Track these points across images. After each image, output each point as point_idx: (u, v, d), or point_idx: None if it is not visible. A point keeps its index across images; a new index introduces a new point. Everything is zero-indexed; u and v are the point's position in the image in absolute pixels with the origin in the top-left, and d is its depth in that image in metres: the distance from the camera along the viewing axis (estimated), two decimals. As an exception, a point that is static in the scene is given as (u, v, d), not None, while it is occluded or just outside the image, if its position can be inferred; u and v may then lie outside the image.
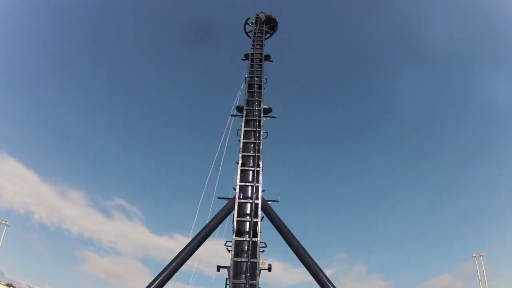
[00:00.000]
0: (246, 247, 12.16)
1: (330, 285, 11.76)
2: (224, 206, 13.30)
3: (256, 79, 16.93)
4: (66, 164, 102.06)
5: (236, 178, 13.50)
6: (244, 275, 11.65)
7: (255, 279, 11.57)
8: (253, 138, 14.58)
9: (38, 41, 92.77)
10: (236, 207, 12.73)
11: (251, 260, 11.78)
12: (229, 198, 13.43)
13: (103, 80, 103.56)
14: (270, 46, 20.47)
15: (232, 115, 15.82)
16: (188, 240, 12.96)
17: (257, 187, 13.11)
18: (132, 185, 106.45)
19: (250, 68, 17.62)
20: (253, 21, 21.81)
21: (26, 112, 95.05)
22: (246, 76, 17.30)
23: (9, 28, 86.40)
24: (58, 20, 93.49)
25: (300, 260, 12.43)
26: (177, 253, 12.58)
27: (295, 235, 12.87)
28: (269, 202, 13.42)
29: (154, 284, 11.70)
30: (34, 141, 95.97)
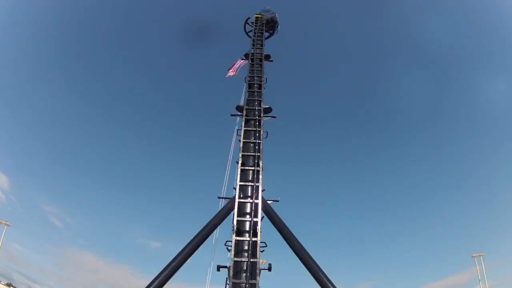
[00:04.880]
0: (246, 247, 12.15)
1: (330, 285, 11.74)
2: (224, 206, 13.30)
3: (256, 78, 16.92)
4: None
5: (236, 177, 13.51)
6: (244, 275, 11.64)
7: (255, 279, 11.56)
8: (253, 138, 14.58)
9: (32, 41, 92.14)
10: (236, 206, 12.73)
11: (251, 260, 11.78)
12: (229, 198, 13.43)
13: (98, 80, 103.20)
14: (270, 46, 20.47)
15: (232, 115, 15.81)
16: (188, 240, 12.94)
17: (257, 186, 13.11)
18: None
19: (250, 67, 17.62)
20: (253, 21, 21.84)
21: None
22: (246, 75, 17.31)
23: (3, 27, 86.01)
24: (54, 18, 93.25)
25: (300, 260, 12.41)
26: (177, 253, 12.58)
27: (295, 234, 12.86)
28: (269, 202, 13.41)
29: (154, 284, 11.69)
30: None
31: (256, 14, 21.97)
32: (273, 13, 22.23)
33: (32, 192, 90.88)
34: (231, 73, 18.43)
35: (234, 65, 18.54)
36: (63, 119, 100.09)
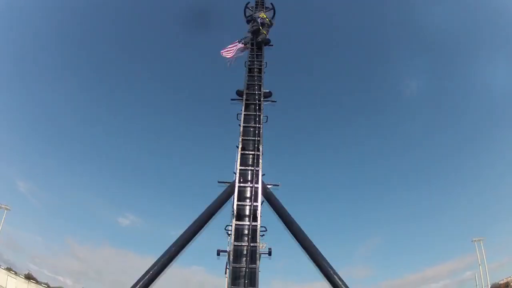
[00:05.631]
0: (246, 231, 12.17)
1: (330, 270, 11.77)
2: (224, 190, 13.29)
3: (256, 63, 16.78)
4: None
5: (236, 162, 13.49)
6: (244, 259, 11.66)
7: (255, 263, 11.59)
8: (253, 123, 14.52)
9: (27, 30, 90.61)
10: (236, 191, 12.72)
11: (251, 244, 11.80)
12: (229, 182, 13.42)
13: (96, 68, 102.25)
14: (270, 30, 20.17)
15: (232, 100, 15.70)
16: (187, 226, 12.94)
17: (257, 171, 13.09)
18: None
19: (250, 52, 17.47)
20: (254, 6, 21.48)
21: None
22: (246, 60, 17.15)
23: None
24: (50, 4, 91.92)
25: (300, 245, 12.46)
26: (176, 238, 12.59)
27: (295, 219, 12.88)
28: (269, 187, 13.41)
29: (154, 270, 11.72)
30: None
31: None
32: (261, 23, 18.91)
33: (6, 167, 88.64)
34: (228, 54, 17.82)
35: (231, 45, 18.03)
36: (55, 99, 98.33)
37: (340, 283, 11.47)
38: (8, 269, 57.41)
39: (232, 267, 11.65)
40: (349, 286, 11.51)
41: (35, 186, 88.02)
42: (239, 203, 12.60)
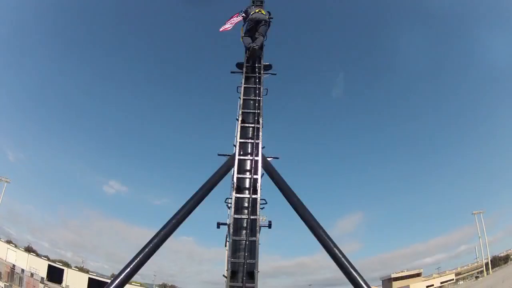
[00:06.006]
0: (246, 204, 12.20)
1: (329, 241, 11.80)
2: (224, 163, 13.25)
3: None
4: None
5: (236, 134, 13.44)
6: (244, 232, 11.71)
7: (255, 236, 11.66)
8: (253, 95, 14.42)
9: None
10: (236, 163, 12.71)
11: (251, 217, 11.84)
12: (229, 155, 13.38)
13: (89, 35, 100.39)
14: (269, 2, 19.77)
15: (232, 72, 15.54)
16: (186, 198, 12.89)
17: (257, 143, 13.06)
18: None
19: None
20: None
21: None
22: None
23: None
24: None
25: (300, 217, 12.46)
26: (176, 211, 12.55)
27: (295, 191, 12.86)
28: (269, 159, 13.38)
29: (154, 242, 11.71)
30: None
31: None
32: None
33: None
34: (226, 26, 17.38)
35: (230, 19, 17.68)
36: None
37: (340, 255, 11.52)
38: (8, 242, 57.76)
39: (232, 239, 11.70)
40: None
41: (24, 156, 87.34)
42: (239, 175, 12.61)
